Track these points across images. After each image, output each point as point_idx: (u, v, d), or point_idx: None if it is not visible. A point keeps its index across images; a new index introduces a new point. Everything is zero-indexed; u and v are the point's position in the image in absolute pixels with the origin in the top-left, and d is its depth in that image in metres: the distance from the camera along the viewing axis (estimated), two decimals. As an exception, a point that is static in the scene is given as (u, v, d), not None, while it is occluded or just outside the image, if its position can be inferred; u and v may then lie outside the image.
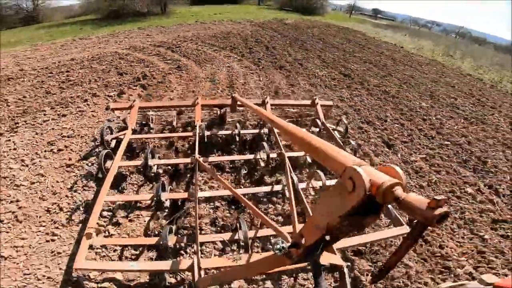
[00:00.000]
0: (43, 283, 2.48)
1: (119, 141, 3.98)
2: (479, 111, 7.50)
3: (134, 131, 4.19)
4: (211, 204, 3.41)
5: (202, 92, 6.54)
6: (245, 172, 3.96)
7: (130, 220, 3.16)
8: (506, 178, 4.62)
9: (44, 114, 5.16)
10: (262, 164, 4.00)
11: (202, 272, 2.38)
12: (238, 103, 4.55)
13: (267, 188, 3.50)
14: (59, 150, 4.12)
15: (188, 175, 3.87)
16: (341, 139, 4.39)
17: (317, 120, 4.66)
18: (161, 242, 2.46)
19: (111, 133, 4.10)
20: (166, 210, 3.24)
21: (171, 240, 2.60)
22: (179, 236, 2.85)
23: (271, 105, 4.86)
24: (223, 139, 4.57)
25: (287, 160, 3.59)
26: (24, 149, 4.14)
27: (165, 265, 2.41)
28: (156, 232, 3.02)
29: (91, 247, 2.56)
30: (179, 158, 3.99)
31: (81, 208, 3.18)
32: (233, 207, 3.41)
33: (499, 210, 3.91)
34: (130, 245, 2.75)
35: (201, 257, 2.60)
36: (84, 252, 2.36)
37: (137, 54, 9.10)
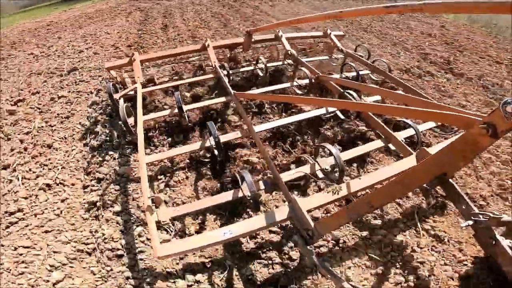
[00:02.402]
0: None
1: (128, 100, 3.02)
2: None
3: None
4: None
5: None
6: None
7: (177, 182, 2.37)
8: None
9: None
10: (299, 91, 3.26)
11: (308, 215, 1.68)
12: (253, 39, 3.68)
13: (321, 111, 2.75)
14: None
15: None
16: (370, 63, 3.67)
17: (339, 48, 3.89)
18: (250, 193, 1.69)
19: (117, 92, 3.08)
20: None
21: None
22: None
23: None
24: (245, 78, 3.70)
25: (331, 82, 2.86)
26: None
27: (261, 221, 1.68)
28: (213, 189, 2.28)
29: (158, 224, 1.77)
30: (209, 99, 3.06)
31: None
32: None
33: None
34: (201, 210, 1.97)
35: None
36: (156, 233, 1.58)
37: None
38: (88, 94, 3.68)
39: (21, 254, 1.88)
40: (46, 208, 2.19)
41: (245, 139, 2.61)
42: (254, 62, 3.79)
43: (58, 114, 3.34)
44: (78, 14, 9.49)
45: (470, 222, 1.56)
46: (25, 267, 1.80)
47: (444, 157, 1.23)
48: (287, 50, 3.56)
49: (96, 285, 1.73)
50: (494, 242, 1.46)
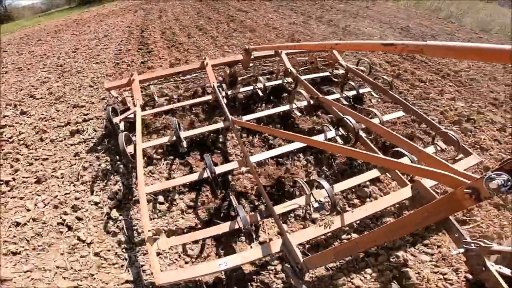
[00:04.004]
0: None
1: (128, 123, 3.18)
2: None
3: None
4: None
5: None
6: None
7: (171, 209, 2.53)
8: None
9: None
10: (298, 113, 3.36)
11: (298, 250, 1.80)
12: (252, 56, 3.79)
13: (320, 137, 2.85)
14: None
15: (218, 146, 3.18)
16: (370, 77, 3.75)
17: (340, 63, 3.99)
18: (244, 228, 1.81)
19: (117, 115, 3.23)
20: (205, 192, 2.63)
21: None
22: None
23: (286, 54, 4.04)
24: (244, 98, 3.83)
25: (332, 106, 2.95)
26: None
27: (255, 253, 1.81)
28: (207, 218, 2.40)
29: (158, 254, 1.91)
30: (207, 126, 3.16)
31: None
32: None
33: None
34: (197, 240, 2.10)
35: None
36: (156, 262, 1.71)
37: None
38: (116, 41, 7.29)
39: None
40: (95, 70, 5.41)
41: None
42: (253, 80, 3.89)
43: (101, 48, 6.83)
44: (95, 14, 13.19)
45: (461, 250, 1.67)
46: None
47: (431, 212, 1.31)
48: (286, 68, 3.65)
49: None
50: (484, 268, 1.58)
